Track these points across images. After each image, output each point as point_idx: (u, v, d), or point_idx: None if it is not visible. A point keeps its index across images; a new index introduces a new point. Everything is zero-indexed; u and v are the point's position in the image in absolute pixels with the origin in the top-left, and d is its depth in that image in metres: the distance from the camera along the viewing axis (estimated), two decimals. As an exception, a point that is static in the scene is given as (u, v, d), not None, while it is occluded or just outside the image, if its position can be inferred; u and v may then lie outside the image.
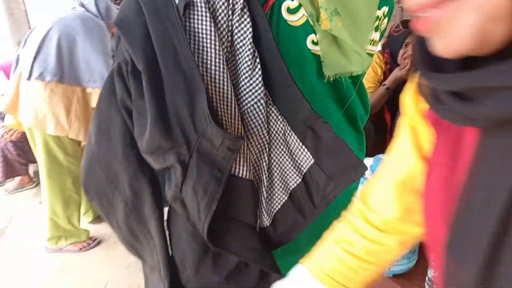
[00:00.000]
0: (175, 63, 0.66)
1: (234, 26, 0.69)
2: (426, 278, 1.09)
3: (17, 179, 3.06)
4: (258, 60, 0.70)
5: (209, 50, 0.67)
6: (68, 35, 1.88)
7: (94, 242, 2.30)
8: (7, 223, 2.63)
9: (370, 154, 1.21)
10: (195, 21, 0.66)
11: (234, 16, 0.68)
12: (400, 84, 1.74)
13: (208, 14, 0.65)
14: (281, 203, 0.82)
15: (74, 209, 2.23)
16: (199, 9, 0.66)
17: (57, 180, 2.13)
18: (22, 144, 2.82)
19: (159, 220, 0.80)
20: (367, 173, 1.13)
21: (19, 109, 1.97)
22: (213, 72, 0.68)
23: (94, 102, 2.01)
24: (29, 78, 1.88)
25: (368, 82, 1.82)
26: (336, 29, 0.73)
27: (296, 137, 0.75)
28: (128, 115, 0.75)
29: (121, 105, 0.74)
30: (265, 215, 0.81)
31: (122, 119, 0.75)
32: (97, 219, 2.51)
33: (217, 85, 0.69)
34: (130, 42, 0.67)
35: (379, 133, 1.75)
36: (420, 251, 1.20)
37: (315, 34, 0.75)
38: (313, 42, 0.76)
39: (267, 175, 0.79)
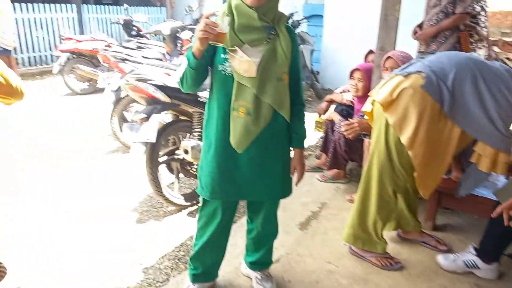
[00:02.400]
0: None
1: None
2: None
3: (334, 170, 3.32)
4: None
5: None
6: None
7: (397, 264, 2.19)
8: (320, 208, 2.89)
9: None
10: None
11: None
12: None
13: None
14: None
15: (383, 217, 2.17)
16: None
17: (383, 180, 2.11)
18: (351, 142, 3.00)
19: None
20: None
21: (393, 108, 1.96)
22: None
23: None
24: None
25: None
26: None
27: None
28: None
29: None
30: None
31: None
32: (399, 238, 2.40)
33: None
34: None
35: None
36: None
37: None
38: None
39: None
